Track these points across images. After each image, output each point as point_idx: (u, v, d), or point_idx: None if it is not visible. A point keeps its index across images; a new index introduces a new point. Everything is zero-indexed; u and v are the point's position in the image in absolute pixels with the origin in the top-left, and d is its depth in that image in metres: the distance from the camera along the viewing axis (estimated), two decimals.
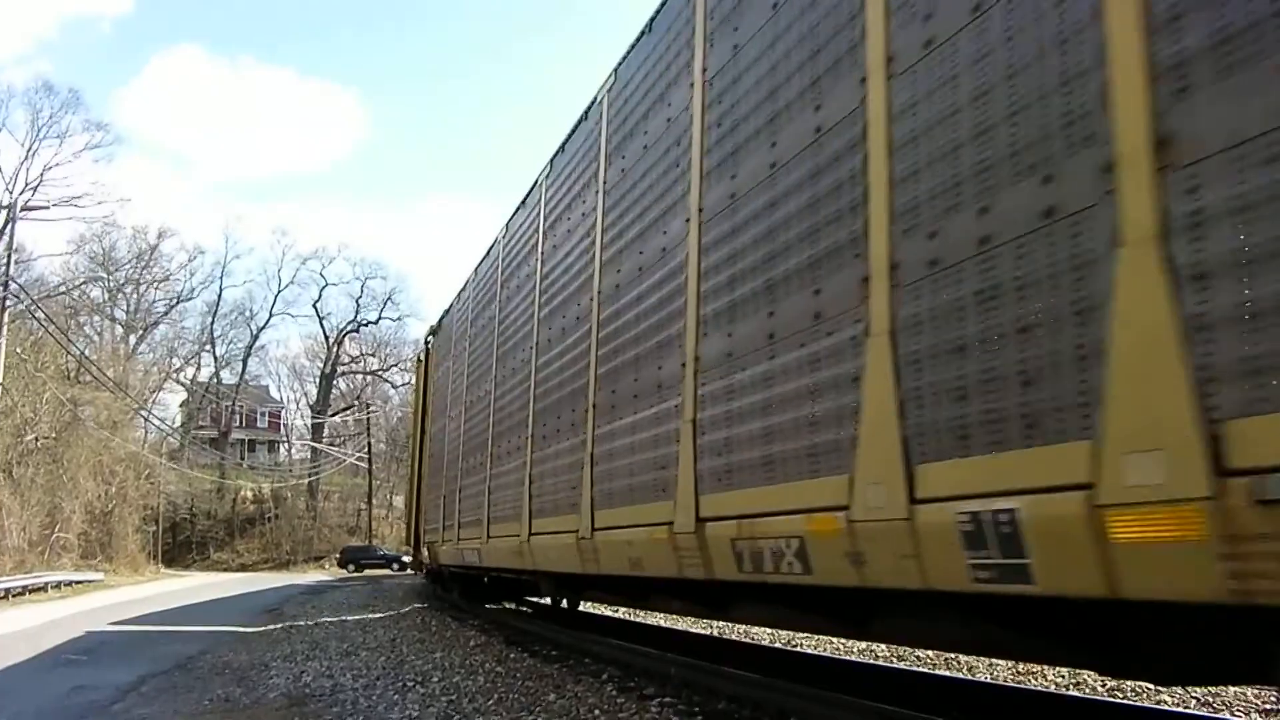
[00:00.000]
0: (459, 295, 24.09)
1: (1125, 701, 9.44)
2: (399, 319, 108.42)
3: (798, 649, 14.62)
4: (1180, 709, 9.09)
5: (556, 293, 14.00)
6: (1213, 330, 4.09)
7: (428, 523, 26.20)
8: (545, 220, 15.11)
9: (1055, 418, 4.77)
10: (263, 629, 21.57)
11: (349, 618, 24.29)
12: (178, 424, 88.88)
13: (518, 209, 17.48)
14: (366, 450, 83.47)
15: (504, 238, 18.48)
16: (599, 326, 11.74)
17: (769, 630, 15.98)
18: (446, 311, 26.43)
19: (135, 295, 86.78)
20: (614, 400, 10.98)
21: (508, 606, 23.44)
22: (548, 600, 21.30)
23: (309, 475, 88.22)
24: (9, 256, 44.57)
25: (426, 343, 30.02)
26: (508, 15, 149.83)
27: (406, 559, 62.76)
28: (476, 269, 21.41)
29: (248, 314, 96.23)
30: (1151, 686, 9.98)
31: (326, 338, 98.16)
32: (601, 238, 12.01)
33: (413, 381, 70.67)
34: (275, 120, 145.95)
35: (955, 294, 5.52)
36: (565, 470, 12.52)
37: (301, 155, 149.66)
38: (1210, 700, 9.34)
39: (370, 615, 24.75)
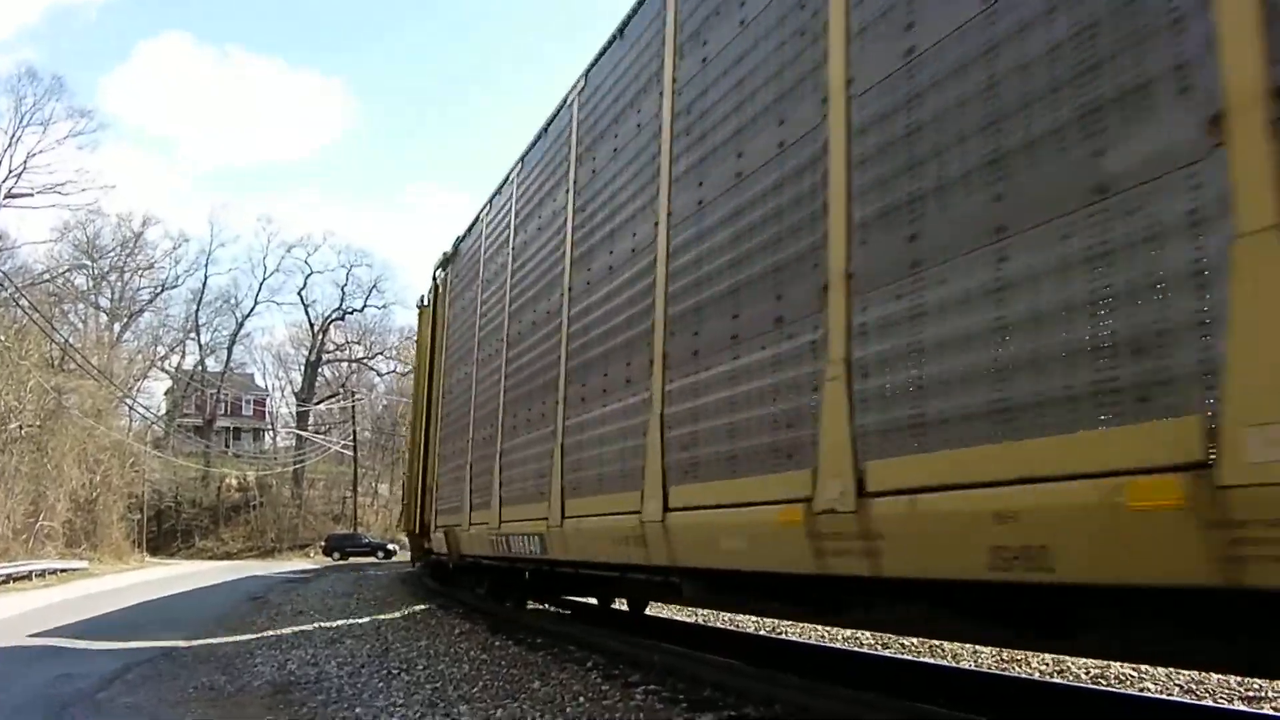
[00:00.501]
0: (489, 204, 18.42)
1: (1108, 689, 9.48)
2: (384, 307, 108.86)
3: (781, 636, 14.64)
4: (1163, 696, 9.14)
5: (714, 126, 9.00)
6: None
7: (442, 502, 20.42)
8: (671, 57, 10.15)
9: None
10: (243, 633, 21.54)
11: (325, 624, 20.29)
12: (162, 412, 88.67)
13: (610, 43, 12.11)
14: (352, 438, 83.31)
15: (580, 97, 13.02)
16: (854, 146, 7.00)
17: (754, 619, 15.95)
18: (466, 233, 20.64)
19: (120, 283, 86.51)
20: (917, 254, 6.19)
21: (557, 611, 18.67)
22: (592, 600, 18.29)
23: (294, 463, 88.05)
24: None
25: (435, 279, 24.06)
26: (509, 15, 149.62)
27: (393, 547, 62.73)
28: (523, 158, 15.78)
29: (233, 302, 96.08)
30: (1134, 673, 10.03)
31: (311, 325, 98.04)
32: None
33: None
34: (264, 110, 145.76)
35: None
36: (756, 401, 7.71)
37: (289, 146, 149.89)
38: (1193, 688, 9.37)
39: (357, 620, 21.64)
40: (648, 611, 18.26)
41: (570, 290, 12.45)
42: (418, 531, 24.64)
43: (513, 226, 16.07)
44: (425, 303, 26.45)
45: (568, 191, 12.80)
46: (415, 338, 31.84)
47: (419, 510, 24.16)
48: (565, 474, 11.91)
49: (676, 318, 9.25)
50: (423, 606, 22.03)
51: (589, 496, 11.15)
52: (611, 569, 11.47)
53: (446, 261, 22.56)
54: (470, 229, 20.24)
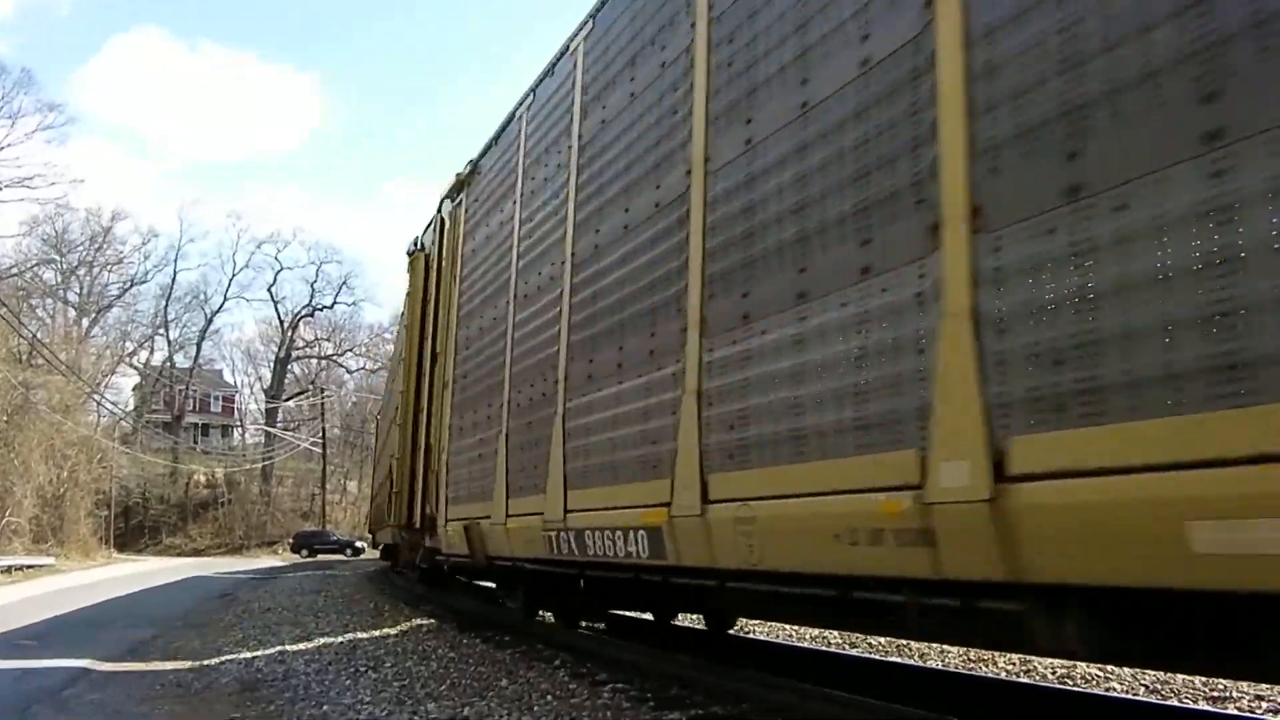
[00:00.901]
0: (532, 94, 13.51)
1: (1073, 688, 9.54)
2: (354, 303, 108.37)
3: (749, 635, 14.62)
4: (1129, 696, 9.19)
5: None
6: None
7: (455, 488, 15.25)
8: None
9: None
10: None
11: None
12: (131, 408, 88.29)
13: None
14: (321, 435, 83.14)
15: None
16: None
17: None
18: (490, 145, 15.64)
19: (88, 278, 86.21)
20: None
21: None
22: (649, 615, 14.32)
23: (262, 460, 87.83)
24: None
25: (439, 214, 19.02)
26: (490, 11, 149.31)
27: (361, 544, 62.49)
28: (595, 14, 11.50)
29: (202, 298, 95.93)
30: (1100, 673, 10.08)
31: (281, 322, 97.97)
32: None
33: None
34: (237, 105, 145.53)
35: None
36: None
37: (262, 141, 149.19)
38: (1159, 688, 9.43)
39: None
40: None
41: (708, 163, 8.39)
42: (418, 525, 18.70)
43: (578, 108, 11.70)
44: (421, 246, 21.44)
45: (694, 25, 8.88)
46: (402, 306, 26.95)
47: (412, 500, 19.42)
48: (710, 433, 7.77)
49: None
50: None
51: (771, 467, 6.99)
52: (820, 584, 7.06)
53: (460, 187, 17.39)
54: (498, 137, 15.31)
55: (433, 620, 17.20)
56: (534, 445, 11.71)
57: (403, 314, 27.55)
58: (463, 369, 15.71)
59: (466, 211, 16.80)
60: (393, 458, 22.66)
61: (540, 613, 14.82)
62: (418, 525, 18.69)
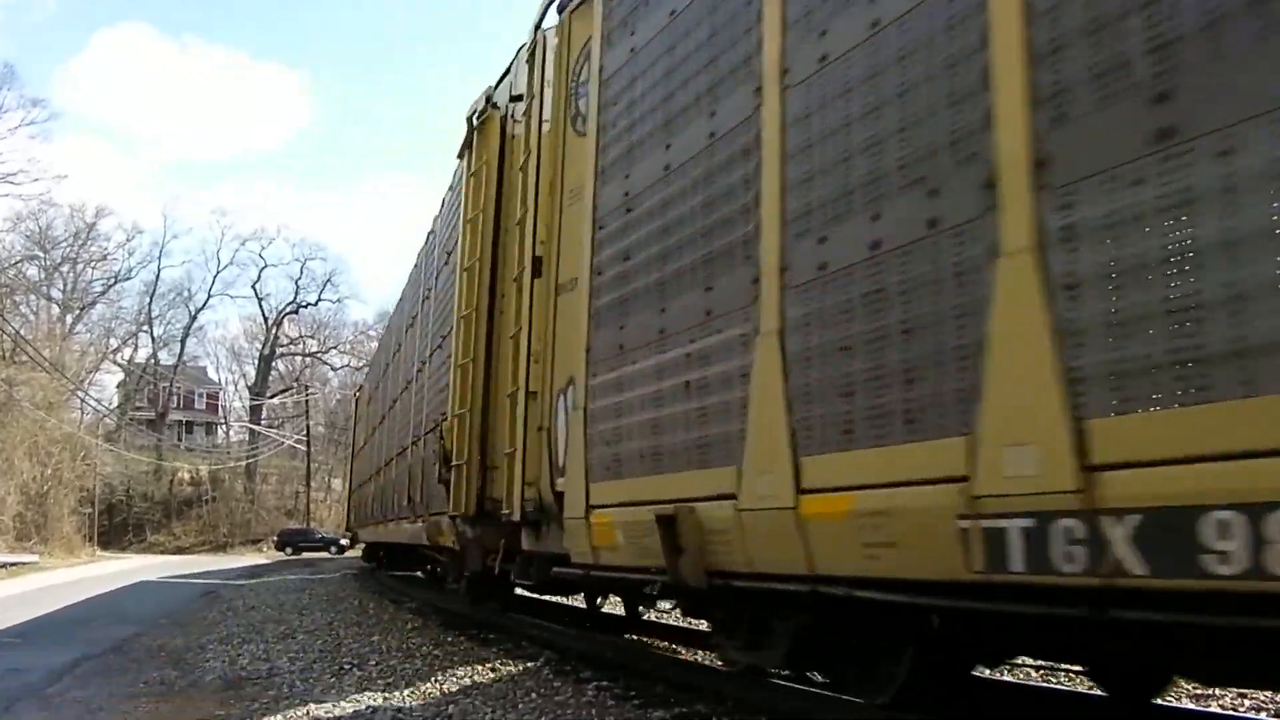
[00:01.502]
0: None
1: (1056, 687, 9.55)
2: (338, 301, 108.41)
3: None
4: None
5: None
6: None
7: (605, 449, 8.49)
8: None
9: None
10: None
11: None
12: (114, 405, 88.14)
13: None
14: (305, 433, 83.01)
15: None
16: None
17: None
18: None
19: (72, 274, 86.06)
20: None
21: None
22: None
23: (247, 457, 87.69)
24: None
25: (536, 32, 12.13)
26: (475, 10, 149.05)
27: (345, 541, 62.14)
28: None
29: (186, 295, 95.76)
30: (1082, 672, 10.10)
31: (265, 319, 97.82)
32: None
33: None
34: (223, 103, 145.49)
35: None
36: None
37: (247, 137, 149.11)
38: None
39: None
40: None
41: None
42: (512, 516, 11.36)
43: None
44: (493, 104, 14.82)
45: None
46: (441, 206, 19.69)
47: (485, 476, 13.38)
48: None
49: None
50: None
51: None
52: None
53: None
54: None
55: (419, 619, 15.55)
56: (889, 343, 5.45)
57: (435, 222, 20.92)
58: (615, 248, 8.99)
59: (606, 5, 9.81)
60: (442, 416, 15.79)
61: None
62: (512, 515, 11.43)
